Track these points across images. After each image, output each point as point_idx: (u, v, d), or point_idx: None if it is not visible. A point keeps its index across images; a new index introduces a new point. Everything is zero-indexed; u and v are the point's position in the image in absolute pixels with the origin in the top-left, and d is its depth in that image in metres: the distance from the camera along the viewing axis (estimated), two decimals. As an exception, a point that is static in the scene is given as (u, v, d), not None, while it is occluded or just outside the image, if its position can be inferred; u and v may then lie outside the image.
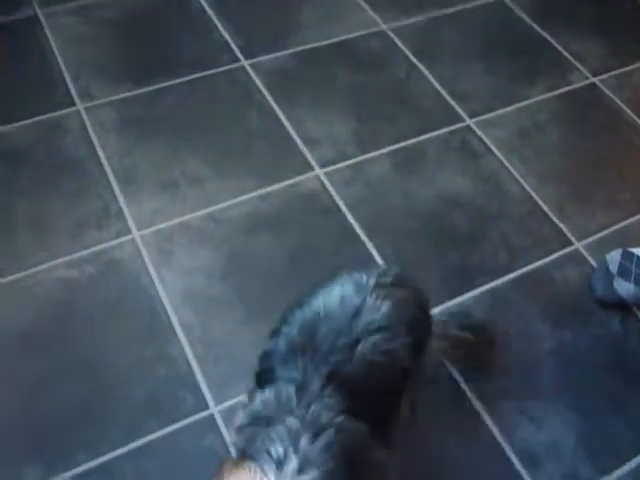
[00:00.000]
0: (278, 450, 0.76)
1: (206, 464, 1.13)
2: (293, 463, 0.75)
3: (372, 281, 0.94)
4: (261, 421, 0.83)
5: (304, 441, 0.77)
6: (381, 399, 0.92)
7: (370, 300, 0.91)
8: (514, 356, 1.32)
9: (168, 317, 1.31)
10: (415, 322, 0.98)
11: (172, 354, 1.27)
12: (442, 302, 1.37)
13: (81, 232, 1.43)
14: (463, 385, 1.27)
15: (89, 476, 1.12)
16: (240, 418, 0.90)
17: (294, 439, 0.77)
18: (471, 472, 1.17)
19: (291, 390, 0.84)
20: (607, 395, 1.29)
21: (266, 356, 0.95)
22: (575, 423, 1.24)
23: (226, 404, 1.21)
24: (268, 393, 0.86)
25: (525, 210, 1.55)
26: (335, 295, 0.92)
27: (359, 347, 0.87)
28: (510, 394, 1.27)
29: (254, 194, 1.52)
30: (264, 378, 0.91)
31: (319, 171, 1.58)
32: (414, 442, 1.15)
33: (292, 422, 0.80)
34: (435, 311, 1.35)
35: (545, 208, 1.56)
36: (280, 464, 0.75)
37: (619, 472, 1.20)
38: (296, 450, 0.76)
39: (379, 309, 0.91)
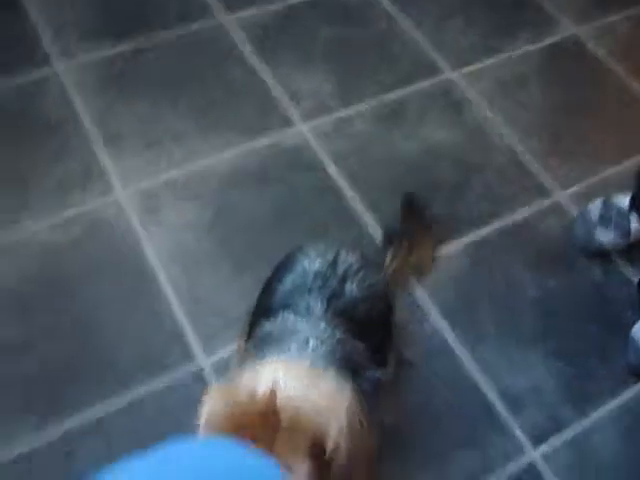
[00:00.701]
0: (291, 348, 0.84)
1: (195, 417, 1.16)
2: (306, 359, 0.81)
3: (337, 242, 1.04)
4: (271, 337, 0.89)
5: (313, 342, 0.85)
6: (373, 328, 0.99)
7: (342, 253, 1.00)
8: (499, 305, 1.34)
9: (155, 274, 1.32)
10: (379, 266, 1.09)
11: (160, 310, 1.28)
12: (426, 253, 1.39)
13: (64, 193, 1.42)
14: (447, 332, 1.30)
15: (80, 430, 1.14)
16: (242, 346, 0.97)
17: (304, 343, 0.85)
18: (454, 415, 1.21)
19: (296, 315, 0.91)
20: (589, 341, 1.32)
21: (261, 306, 1.00)
22: (556, 368, 1.28)
23: (215, 357, 1.23)
24: (273, 320, 0.92)
25: (508, 161, 1.56)
26: (311, 254, 1.00)
27: (347, 284, 0.96)
28: (493, 341, 1.30)
29: (238, 150, 1.51)
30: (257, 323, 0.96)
31: (302, 126, 1.57)
32: (400, 386, 1.18)
33: (302, 334, 0.87)
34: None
35: (528, 159, 1.57)
36: (292, 357, 0.82)
37: (598, 414, 1.23)
38: (305, 348, 0.84)
39: (351, 257, 1.00)
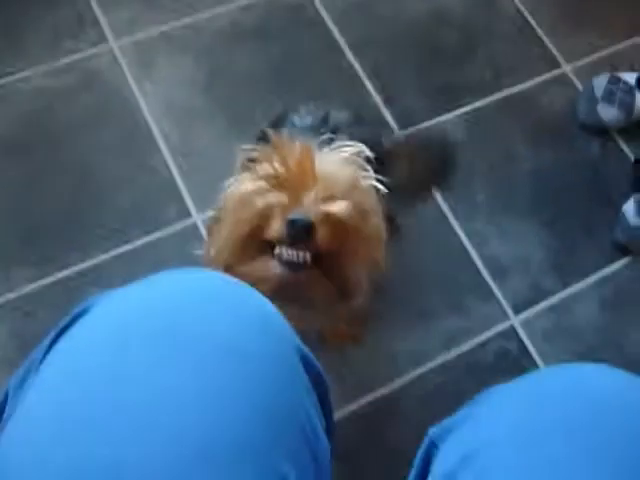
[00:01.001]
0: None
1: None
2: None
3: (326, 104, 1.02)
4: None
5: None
6: None
7: (334, 111, 0.98)
8: (493, 175, 1.34)
9: (149, 128, 1.30)
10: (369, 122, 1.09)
11: (154, 165, 1.27)
12: (426, 119, 1.37)
13: (56, 42, 1.37)
14: (439, 199, 1.30)
15: (77, 278, 1.17)
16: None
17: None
18: (441, 279, 1.24)
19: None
20: (579, 216, 1.33)
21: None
22: (544, 240, 1.30)
23: (208, 213, 1.23)
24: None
25: (516, 29, 1.50)
26: (302, 111, 0.98)
27: (338, 136, 0.93)
28: (485, 211, 1.31)
29: (237, 3, 1.45)
30: None
31: (305, -19, 1.50)
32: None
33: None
34: (417, 128, 1.36)
35: (537, 28, 1.51)
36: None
37: (580, 285, 1.27)
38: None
39: (341, 114, 0.98)
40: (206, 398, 0.44)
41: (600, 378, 0.52)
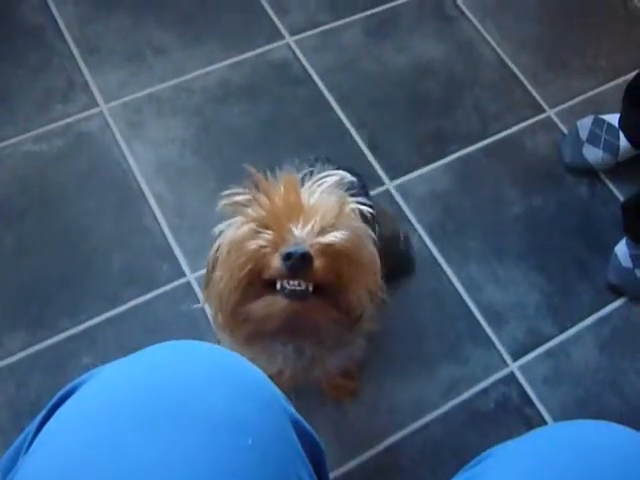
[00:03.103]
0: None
1: (183, 329, 1.18)
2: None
3: (312, 157, 1.01)
4: None
5: None
6: None
7: (318, 165, 0.97)
8: (484, 221, 1.35)
9: (141, 189, 1.31)
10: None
11: (147, 225, 1.28)
12: (415, 169, 1.38)
13: (47, 106, 1.39)
14: (432, 248, 1.31)
15: (71, 342, 1.16)
16: None
17: None
18: (438, 328, 1.23)
19: None
20: (572, 258, 1.33)
21: None
22: (539, 284, 1.30)
23: (202, 271, 1.24)
24: None
25: (499, 76, 1.53)
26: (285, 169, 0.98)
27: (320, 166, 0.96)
28: (478, 257, 1.31)
29: (223, 63, 1.48)
30: None
31: (289, 39, 1.53)
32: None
33: None
34: (407, 178, 1.38)
35: (519, 74, 1.54)
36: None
37: (577, 328, 1.26)
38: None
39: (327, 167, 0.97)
40: (200, 476, 0.43)
41: (602, 435, 0.51)
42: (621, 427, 0.51)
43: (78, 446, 0.45)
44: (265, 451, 0.46)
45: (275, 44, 1.52)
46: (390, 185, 1.36)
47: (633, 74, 1.35)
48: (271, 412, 0.50)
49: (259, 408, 0.49)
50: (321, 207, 0.73)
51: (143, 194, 1.31)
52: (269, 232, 0.73)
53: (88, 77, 1.43)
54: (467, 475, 0.54)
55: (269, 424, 0.48)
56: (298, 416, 0.52)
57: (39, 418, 0.50)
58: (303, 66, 1.50)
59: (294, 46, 1.52)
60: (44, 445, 0.47)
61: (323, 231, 0.72)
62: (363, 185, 1.04)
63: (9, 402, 1.10)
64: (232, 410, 0.47)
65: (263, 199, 0.74)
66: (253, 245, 0.73)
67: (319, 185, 0.76)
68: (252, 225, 0.75)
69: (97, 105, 1.40)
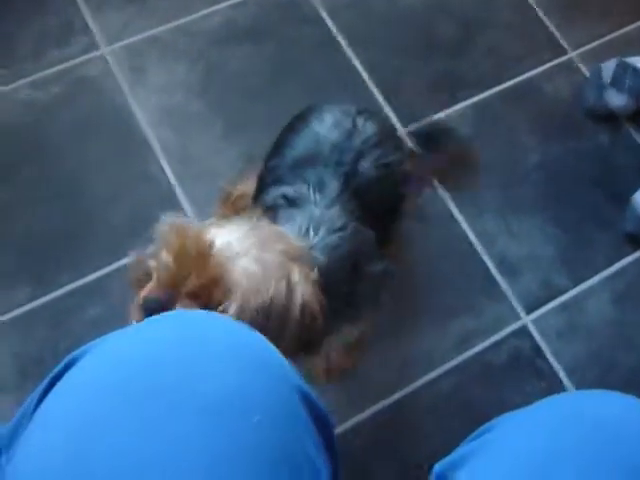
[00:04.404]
0: (303, 224, 0.81)
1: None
2: (311, 241, 0.80)
3: (353, 108, 0.96)
4: (284, 199, 0.87)
5: (323, 231, 0.81)
6: (383, 214, 0.96)
7: (359, 122, 0.93)
8: (499, 170, 1.31)
9: (145, 136, 1.27)
10: (398, 139, 1.04)
11: (151, 173, 1.24)
12: (427, 114, 1.33)
13: (45, 50, 1.34)
14: (445, 197, 1.27)
15: (75, 295, 1.14)
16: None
17: (315, 224, 0.82)
18: (452, 281, 1.21)
19: (310, 188, 0.87)
20: (589, 209, 1.29)
21: (270, 170, 0.95)
22: (554, 236, 1.26)
23: (208, 221, 1.21)
24: (286, 187, 0.88)
25: (518, 16, 1.46)
26: (327, 119, 0.93)
27: (362, 162, 0.90)
28: (493, 207, 1.27)
29: (227, 3, 1.41)
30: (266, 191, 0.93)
31: (298, -25, 1.46)
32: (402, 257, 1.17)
33: (314, 210, 0.84)
34: (422, 123, 1.33)
35: (540, 14, 1.47)
36: (302, 234, 0.80)
37: (592, 281, 1.23)
38: (316, 233, 0.81)
39: (369, 128, 0.94)
40: (206, 452, 0.42)
41: (610, 405, 0.50)
42: (625, 398, 0.50)
43: (79, 426, 0.43)
44: (271, 428, 0.45)
45: (284, -19, 1.44)
46: (403, 131, 1.31)
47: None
48: (280, 387, 0.48)
49: (267, 383, 0.47)
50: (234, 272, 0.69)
51: (147, 141, 1.26)
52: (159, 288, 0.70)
53: (88, 19, 1.37)
54: (472, 445, 0.53)
55: (277, 400, 0.47)
56: (308, 390, 0.51)
57: (41, 388, 0.49)
58: (311, 4, 1.42)
59: (303, -17, 1.45)
60: (43, 424, 0.46)
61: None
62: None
63: (16, 353, 1.09)
64: (239, 386, 0.46)
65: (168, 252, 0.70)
66: (144, 271, 0.72)
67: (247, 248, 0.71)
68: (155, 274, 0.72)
69: (98, 48, 1.34)
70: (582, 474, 0.44)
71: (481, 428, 0.53)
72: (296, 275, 0.72)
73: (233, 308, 0.68)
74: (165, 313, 0.52)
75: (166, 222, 0.73)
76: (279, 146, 0.96)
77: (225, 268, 0.69)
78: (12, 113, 1.27)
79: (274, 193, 0.88)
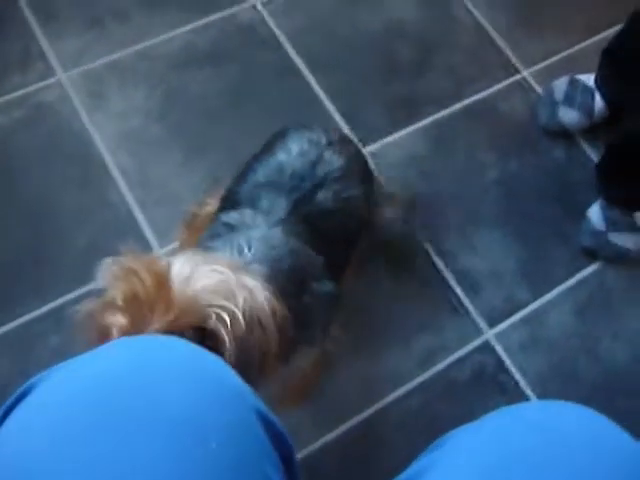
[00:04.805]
0: (239, 244, 0.81)
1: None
2: (247, 257, 0.80)
3: (324, 138, 0.97)
4: (225, 230, 0.87)
5: (260, 247, 0.82)
6: (338, 245, 0.96)
7: (327, 154, 0.95)
8: (459, 187, 1.32)
9: (104, 161, 1.26)
10: (365, 174, 1.05)
11: (112, 199, 1.23)
12: (388, 134, 1.35)
13: (3, 76, 1.33)
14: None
15: (38, 323, 1.12)
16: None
17: (251, 242, 0.82)
18: (412, 298, 1.22)
19: (257, 212, 0.88)
20: (548, 223, 1.32)
21: (229, 194, 0.97)
22: (515, 250, 1.28)
23: (170, 247, 1.20)
24: (233, 213, 0.90)
25: (472, 38, 1.49)
26: (293, 149, 0.95)
27: (320, 193, 0.92)
28: (453, 224, 1.29)
29: (187, 27, 1.42)
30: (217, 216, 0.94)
31: (256, 0, 1.47)
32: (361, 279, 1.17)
33: (253, 232, 0.85)
34: (382, 143, 1.34)
35: (493, 35, 1.50)
36: (236, 253, 0.80)
37: (552, 294, 1.25)
38: (250, 249, 0.81)
39: (335, 162, 0.95)
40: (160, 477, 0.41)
41: (562, 415, 0.50)
42: (579, 407, 0.50)
43: (32, 447, 0.43)
44: (229, 453, 0.45)
45: (240, 6, 1.46)
46: (363, 151, 1.33)
47: (609, 32, 1.32)
48: (235, 408, 0.48)
49: (223, 405, 0.47)
50: (191, 301, 0.69)
51: (106, 167, 1.26)
52: (122, 315, 0.70)
53: (45, 45, 1.37)
54: (424, 461, 0.53)
55: (233, 422, 0.47)
56: (265, 409, 0.50)
57: None
58: (271, 29, 1.44)
59: (261, 8, 1.46)
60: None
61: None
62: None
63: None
64: (194, 410, 0.45)
65: (131, 282, 0.70)
66: (103, 320, 0.70)
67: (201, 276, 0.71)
68: (114, 299, 0.71)
69: (55, 74, 1.34)
70: (533, 476, 0.44)
71: (435, 442, 0.53)
72: (250, 281, 0.72)
73: (224, 328, 0.68)
74: (121, 338, 0.52)
75: (114, 264, 0.72)
76: (244, 171, 0.97)
77: (189, 294, 0.69)
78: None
79: (221, 220, 0.89)
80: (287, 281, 0.81)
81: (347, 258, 1.02)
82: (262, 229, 0.86)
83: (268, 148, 0.98)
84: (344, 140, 1.03)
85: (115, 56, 1.37)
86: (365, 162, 1.08)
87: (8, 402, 0.47)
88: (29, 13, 1.39)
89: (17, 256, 1.17)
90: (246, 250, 0.81)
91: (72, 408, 0.44)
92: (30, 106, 1.30)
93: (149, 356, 0.49)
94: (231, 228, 0.88)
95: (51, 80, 1.33)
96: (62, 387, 0.47)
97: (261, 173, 0.94)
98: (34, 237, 1.19)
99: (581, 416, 0.50)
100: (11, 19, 1.38)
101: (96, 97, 1.32)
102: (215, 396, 0.47)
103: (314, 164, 0.93)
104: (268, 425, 0.50)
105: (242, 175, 0.97)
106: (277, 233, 0.86)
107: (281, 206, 0.89)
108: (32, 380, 0.48)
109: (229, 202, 0.95)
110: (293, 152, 0.94)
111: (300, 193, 0.90)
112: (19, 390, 0.48)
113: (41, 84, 1.32)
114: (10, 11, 1.39)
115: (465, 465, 0.48)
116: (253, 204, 0.90)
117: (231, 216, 0.89)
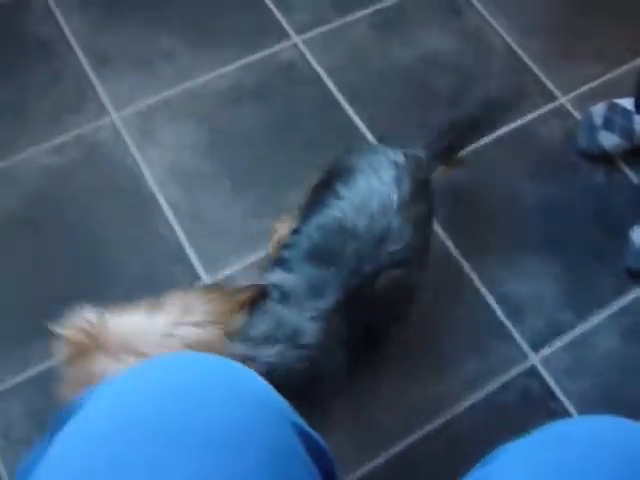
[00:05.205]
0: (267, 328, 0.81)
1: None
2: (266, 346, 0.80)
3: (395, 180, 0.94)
4: (277, 291, 0.85)
5: (282, 342, 0.81)
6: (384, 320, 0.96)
7: (395, 222, 0.90)
8: (499, 214, 1.34)
9: (154, 195, 1.32)
10: (428, 238, 1.02)
11: (161, 231, 1.28)
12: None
13: (59, 117, 1.40)
14: (448, 243, 1.30)
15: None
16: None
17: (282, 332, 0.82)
18: (457, 324, 1.23)
19: (304, 287, 0.85)
20: (589, 247, 1.32)
21: (286, 247, 0.95)
22: (557, 274, 1.29)
23: (218, 275, 1.24)
24: (289, 276, 0.87)
25: (508, 65, 1.52)
26: (359, 193, 0.91)
27: (381, 278, 0.88)
28: (495, 250, 1.30)
29: (231, 67, 1.48)
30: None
31: (297, 38, 1.52)
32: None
33: (292, 318, 0.83)
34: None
35: (529, 62, 1.53)
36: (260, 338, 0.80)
37: (598, 317, 1.25)
38: (274, 343, 0.81)
39: (403, 236, 0.91)
40: None
41: (614, 431, 0.51)
42: (629, 422, 0.51)
43: (82, 465, 0.45)
44: (269, 469, 0.46)
45: (282, 44, 1.51)
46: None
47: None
48: (276, 424, 0.49)
49: (262, 421, 0.48)
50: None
51: (157, 200, 1.31)
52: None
53: (98, 86, 1.44)
54: (477, 475, 0.53)
55: (273, 438, 0.47)
56: (305, 426, 0.52)
57: (42, 443, 0.50)
58: (311, 65, 1.49)
59: (301, 45, 1.52)
60: (54, 461, 0.46)
61: None
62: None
63: (33, 412, 1.11)
64: (233, 427, 0.46)
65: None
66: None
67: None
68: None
69: (108, 114, 1.41)
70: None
71: (486, 457, 0.54)
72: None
73: None
74: (163, 355, 0.54)
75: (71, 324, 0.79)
76: (300, 219, 0.96)
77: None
78: (32, 177, 1.33)
79: (274, 276, 0.88)
80: (295, 379, 0.82)
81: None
82: (303, 319, 0.83)
83: (330, 180, 0.96)
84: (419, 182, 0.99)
85: (165, 95, 1.44)
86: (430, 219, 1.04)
87: (57, 420, 0.50)
88: (82, 56, 1.47)
89: (72, 289, 1.22)
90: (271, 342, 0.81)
91: (119, 424, 0.46)
92: (85, 145, 1.37)
93: (190, 372, 0.50)
94: (282, 296, 0.86)
95: (104, 120, 1.40)
96: (114, 402, 0.48)
97: (314, 230, 0.90)
98: (88, 269, 1.24)
99: (630, 430, 0.50)
100: (65, 61, 1.46)
101: (147, 134, 1.39)
102: (254, 412, 0.48)
103: (380, 239, 0.89)
104: (308, 441, 0.51)
105: (297, 228, 0.95)
106: (312, 331, 0.83)
107: (331, 293, 0.85)
108: (79, 399, 0.51)
109: (282, 257, 0.93)
110: (356, 196, 0.91)
111: (357, 280, 0.87)
112: (67, 409, 0.50)
113: (95, 124, 1.40)
114: (65, 56, 1.47)
115: (522, 467, 0.48)
116: (304, 269, 0.87)
117: (285, 278, 0.88)
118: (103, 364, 0.74)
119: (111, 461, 0.44)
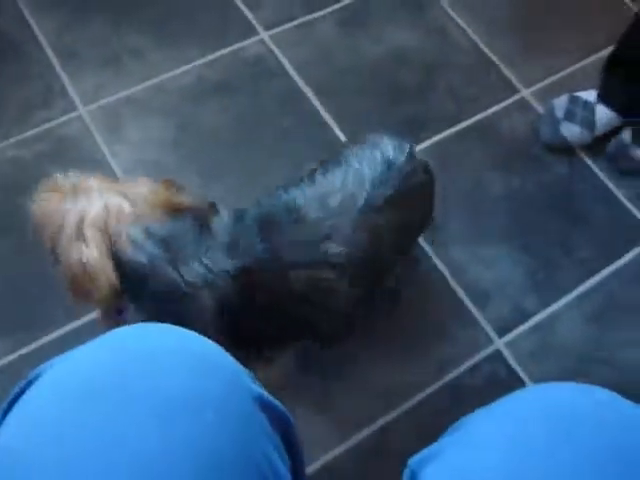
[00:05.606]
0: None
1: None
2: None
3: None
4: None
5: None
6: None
7: (346, 226, 0.90)
8: (465, 205, 1.36)
9: (123, 189, 1.32)
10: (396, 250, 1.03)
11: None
12: (392, 156, 1.40)
13: (28, 112, 1.40)
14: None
15: (68, 339, 1.17)
16: None
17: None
18: (423, 311, 1.25)
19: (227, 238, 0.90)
20: (554, 235, 1.35)
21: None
22: (522, 262, 1.31)
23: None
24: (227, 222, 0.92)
25: (472, 60, 1.55)
26: (326, 186, 0.93)
27: (299, 272, 0.89)
28: (460, 238, 1.32)
29: (199, 62, 1.49)
30: None
31: (264, 34, 1.54)
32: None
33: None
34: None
35: (492, 57, 1.56)
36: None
37: (561, 302, 1.28)
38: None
39: (348, 241, 0.90)
40: (156, 452, 0.44)
41: (580, 395, 0.52)
42: (599, 389, 0.52)
43: (43, 424, 0.46)
44: (226, 427, 0.46)
45: (249, 40, 1.53)
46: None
47: (606, 51, 1.37)
48: (233, 389, 0.50)
49: (220, 385, 0.49)
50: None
51: (125, 194, 1.31)
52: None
53: (66, 82, 1.44)
54: (444, 442, 0.54)
55: (231, 401, 0.48)
56: (263, 392, 0.52)
57: (6, 402, 0.50)
58: (278, 60, 1.51)
59: (268, 41, 1.53)
60: (10, 426, 0.47)
61: None
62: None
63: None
64: (192, 387, 0.47)
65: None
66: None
67: None
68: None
69: (76, 109, 1.41)
70: (550, 457, 0.45)
71: (454, 425, 0.55)
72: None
73: None
74: (123, 327, 0.54)
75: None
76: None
77: None
78: (1, 168, 1.33)
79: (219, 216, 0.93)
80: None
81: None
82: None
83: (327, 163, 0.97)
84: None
85: (132, 90, 1.44)
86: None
87: (16, 389, 0.50)
88: (51, 53, 1.48)
89: (46, 280, 1.22)
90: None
91: (77, 386, 0.47)
92: (54, 139, 1.37)
93: (147, 341, 0.51)
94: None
95: (72, 115, 1.40)
96: (64, 374, 0.49)
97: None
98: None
99: (603, 398, 0.51)
100: (34, 58, 1.47)
101: (114, 129, 1.39)
102: (214, 377, 0.49)
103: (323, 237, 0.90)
104: (268, 407, 0.51)
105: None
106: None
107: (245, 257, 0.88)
108: (42, 366, 0.51)
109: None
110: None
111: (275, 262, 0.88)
112: (30, 375, 0.51)
113: (63, 118, 1.40)
114: (33, 51, 1.47)
115: (480, 449, 0.49)
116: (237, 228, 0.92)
117: (219, 223, 0.93)
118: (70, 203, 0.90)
119: (65, 419, 0.45)
